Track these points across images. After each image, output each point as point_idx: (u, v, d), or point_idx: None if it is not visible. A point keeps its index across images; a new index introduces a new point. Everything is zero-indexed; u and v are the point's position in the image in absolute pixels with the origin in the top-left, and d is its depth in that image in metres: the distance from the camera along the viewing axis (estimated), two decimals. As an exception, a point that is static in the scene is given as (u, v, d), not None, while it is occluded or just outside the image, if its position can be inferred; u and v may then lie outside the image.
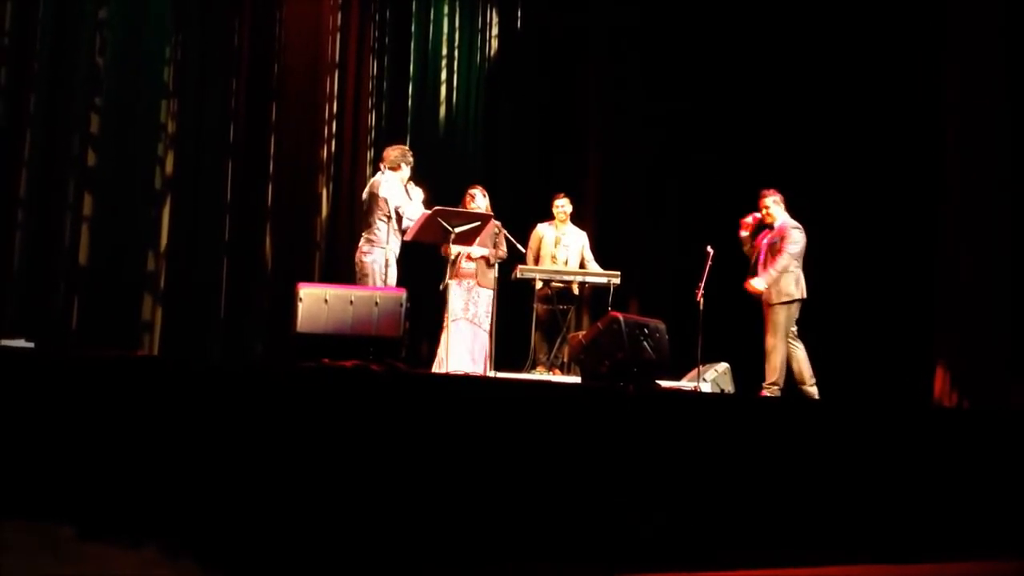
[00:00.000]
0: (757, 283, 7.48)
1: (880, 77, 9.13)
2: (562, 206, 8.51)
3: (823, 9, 9.38)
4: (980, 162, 8.25)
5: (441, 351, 7.67)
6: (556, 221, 8.51)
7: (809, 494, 5.22)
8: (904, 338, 8.64)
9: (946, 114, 8.51)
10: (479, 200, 7.83)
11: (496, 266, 7.97)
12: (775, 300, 7.45)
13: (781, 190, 7.72)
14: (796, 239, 7.51)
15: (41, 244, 7.79)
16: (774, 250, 7.51)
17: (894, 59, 9.04)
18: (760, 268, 7.51)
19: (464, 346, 7.73)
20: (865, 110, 9.18)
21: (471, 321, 7.80)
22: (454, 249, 7.43)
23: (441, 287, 7.77)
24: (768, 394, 7.22)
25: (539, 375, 7.96)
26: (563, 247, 8.43)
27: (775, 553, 4.92)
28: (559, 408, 4.91)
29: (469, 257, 7.81)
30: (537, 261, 8.40)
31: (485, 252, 7.84)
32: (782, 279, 7.46)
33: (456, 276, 7.71)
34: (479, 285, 7.85)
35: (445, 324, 7.66)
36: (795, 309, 7.47)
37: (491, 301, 7.86)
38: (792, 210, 7.70)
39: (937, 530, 5.33)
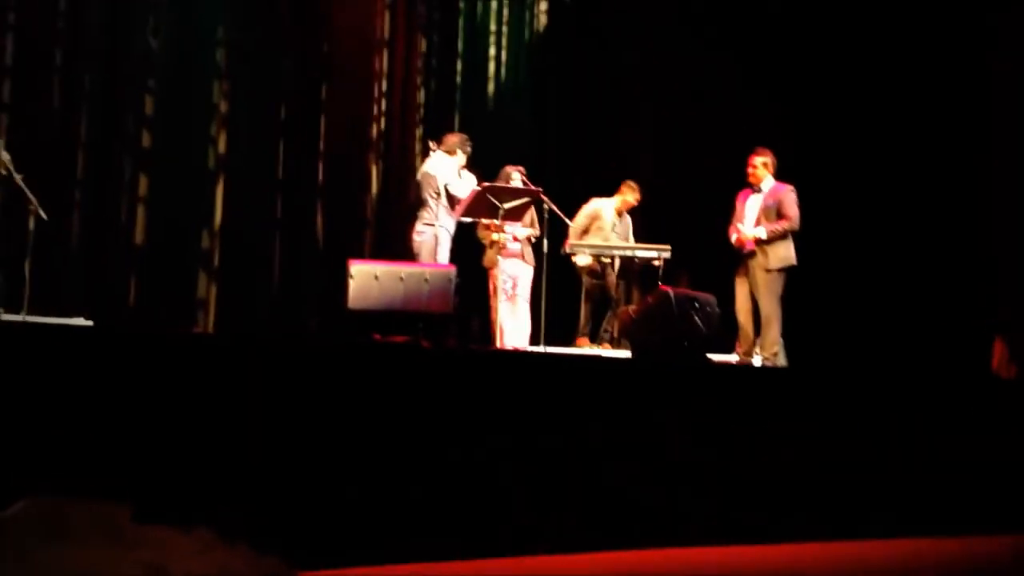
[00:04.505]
0: (759, 231, 7.29)
1: (928, 40, 8.96)
2: (634, 197, 8.51)
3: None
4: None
5: (494, 329, 7.72)
6: (622, 207, 8.47)
7: (863, 466, 5.18)
8: (963, 312, 8.51)
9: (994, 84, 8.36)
10: (515, 181, 7.78)
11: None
12: (774, 266, 7.27)
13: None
14: (795, 201, 7.34)
15: (98, 224, 7.91)
16: (771, 213, 7.33)
17: (941, 23, 8.88)
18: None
19: (515, 323, 7.77)
20: (921, 80, 9.02)
21: (519, 298, 7.83)
22: (496, 233, 7.48)
23: (485, 264, 7.82)
24: (770, 364, 7.13)
25: (587, 350, 7.96)
26: (615, 235, 8.42)
27: (823, 525, 4.90)
28: (611, 383, 4.91)
29: (515, 237, 7.82)
30: (585, 234, 8.36)
31: (530, 232, 7.84)
32: (782, 245, 7.29)
33: (503, 255, 7.72)
34: (525, 263, 7.87)
35: (495, 303, 7.71)
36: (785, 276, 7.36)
37: (531, 278, 7.88)
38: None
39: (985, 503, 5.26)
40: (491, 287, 7.84)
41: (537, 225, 7.90)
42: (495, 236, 7.61)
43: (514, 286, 7.81)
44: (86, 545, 3.02)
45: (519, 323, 7.80)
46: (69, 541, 3.03)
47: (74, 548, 2.99)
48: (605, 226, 8.40)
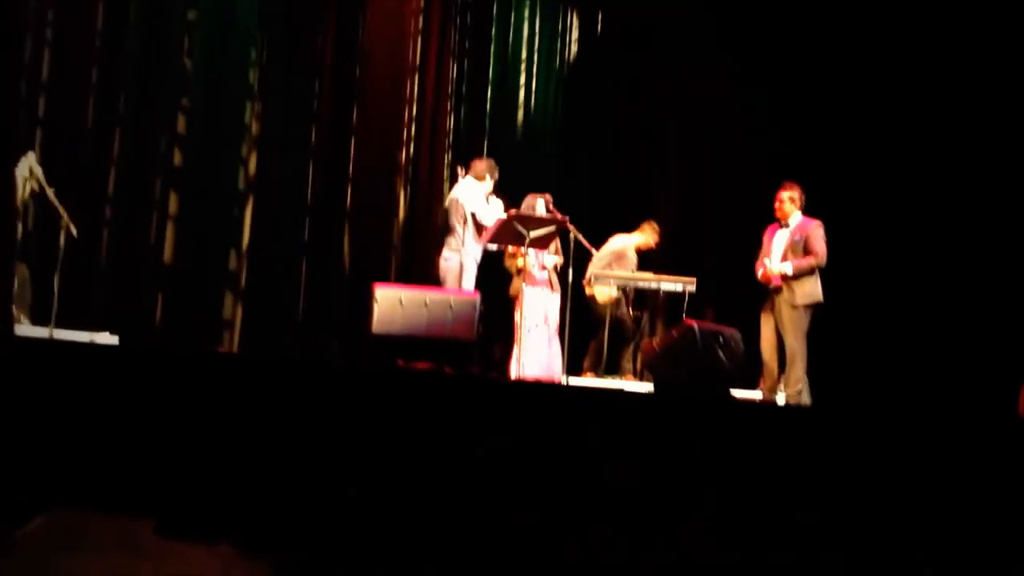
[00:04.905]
0: (785, 267, 7.23)
1: (961, 79, 8.94)
2: (655, 239, 8.57)
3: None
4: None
5: (516, 359, 7.70)
6: (642, 246, 8.51)
7: (884, 507, 5.11)
8: (990, 354, 8.45)
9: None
10: (538, 207, 7.77)
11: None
12: (801, 302, 7.20)
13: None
14: (823, 237, 7.29)
15: (127, 241, 7.96)
16: (798, 248, 7.27)
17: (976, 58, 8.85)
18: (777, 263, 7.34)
19: (543, 353, 7.75)
20: (956, 112, 8.98)
21: (548, 328, 7.81)
22: (526, 258, 7.48)
23: (511, 294, 7.82)
24: (794, 403, 7.06)
25: (594, 381, 7.94)
26: (632, 271, 8.45)
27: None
28: (634, 418, 4.88)
29: (543, 266, 7.82)
30: (608, 269, 8.39)
31: (557, 260, 7.85)
32: (809, 281, 7.23)
33: (531, 284, 7.72)
34: (552, 292, 7.87)
35: (519, 333, 7.69)
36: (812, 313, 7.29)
37: (559, 307, 7.88)
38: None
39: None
40: (517, 316, 7.84)
41: (561, 254, 7.91)
42: (519, 262, 7.63)
43: (546, 319, 7.79)
44: (108, 558, 3.03)
45: (552, 355, 7.77)
46: (91, 553, 3.04)
47: (96, 561, 3.00)
48: (629, 264, 8.44)
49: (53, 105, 7.67)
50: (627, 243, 8.51)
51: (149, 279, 8.03)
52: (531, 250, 7.54)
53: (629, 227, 8.69)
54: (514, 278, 7.86)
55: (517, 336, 7.78)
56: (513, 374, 7.65)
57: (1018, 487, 5.34)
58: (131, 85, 8.03)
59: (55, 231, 6.64)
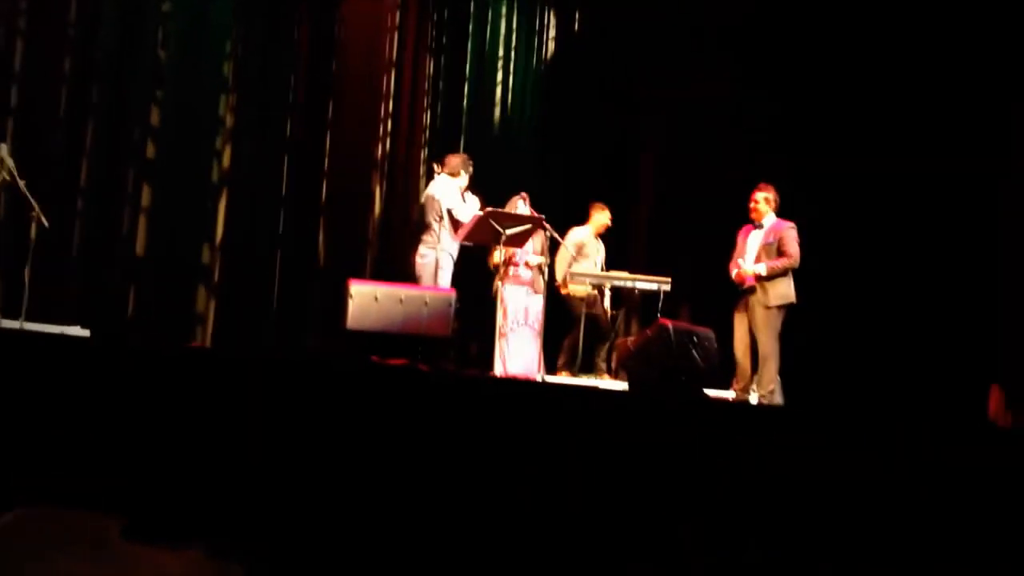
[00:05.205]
0: (759, 267, 7.32)
1: (939, 78, 8.99)
2: (608, 216, 8.57)
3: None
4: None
5: (499, 357, 7.69)
6: (599, 230, 8.52)
7: (856, 510, 5.14)
8: (961, 357, 8.51)
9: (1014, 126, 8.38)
10: (521, 209, 7.79)
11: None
12: (774, 303, 7.31)
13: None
14: (795, 239, 7.37)
15: (99, 233, 7.89)
16: (771, 250, 7.36)
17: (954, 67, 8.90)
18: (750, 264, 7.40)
19: (524, 352, 7.75)
20: (930, 119, 9.04)
21: (531, 327, 7.82)
22: (516, 255, 7.49)
23: (493, 292, 7.81)
24: (766, 403, 7.12)
25: (568, 380, 7.95)
26: (596, 261, 8.46)
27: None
28: (609, 415, 4.88)
29: (527, 264, 7.83)
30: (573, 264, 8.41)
31: (542, 260, 7.86)
32: (782, 282, 7.32)
33: (514, 282, 7.73)
34: (535, 292, 7.87)
35: (501, 330, 7.69)
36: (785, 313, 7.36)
37: (541, 307, 7.89)
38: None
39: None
40: (498, 314, 7.83)
41: (547, 253, 7.92)
42: (496, 258, 7.64)
43: (526, 316, 7.80)
44: (76, 558, 3.00)
45: (530, 353, 7.78)
46: (58, 553, 3.00)
47: (63, 561, 2.96)
48: (591, 254, 8.45)
49: (25, 96, 7.59)
50: (584, 234, 8.53)
51: (121, 272, 7.95)
52: (517, 249, 7.55)
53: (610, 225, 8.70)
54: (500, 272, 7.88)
55: (498, 334, 7.78)
56: (488, 371, 7.65)
57: (989, 489, 5.38)
58: (105, 76, 7.94)
59: (26, 223, 6.57)
